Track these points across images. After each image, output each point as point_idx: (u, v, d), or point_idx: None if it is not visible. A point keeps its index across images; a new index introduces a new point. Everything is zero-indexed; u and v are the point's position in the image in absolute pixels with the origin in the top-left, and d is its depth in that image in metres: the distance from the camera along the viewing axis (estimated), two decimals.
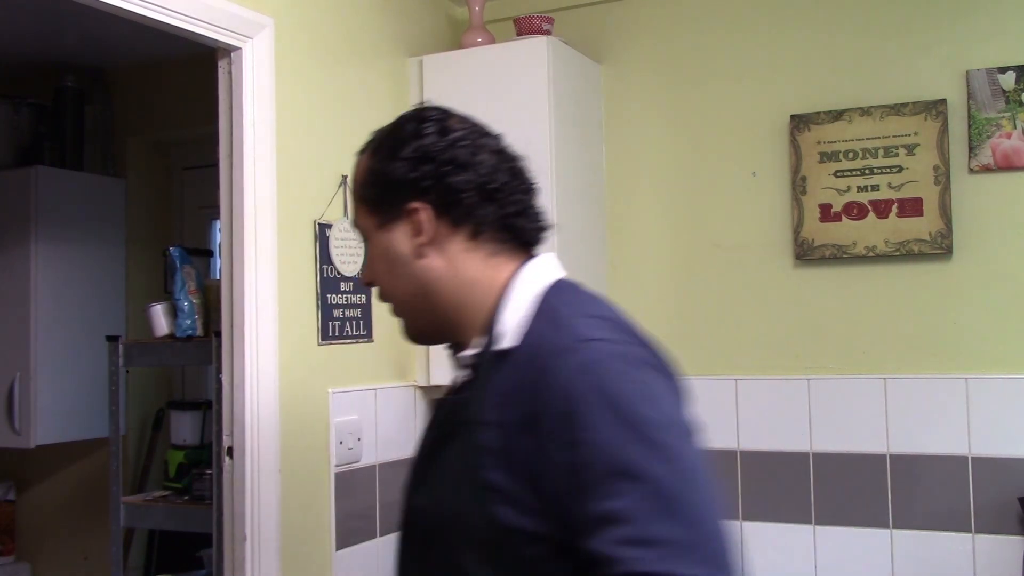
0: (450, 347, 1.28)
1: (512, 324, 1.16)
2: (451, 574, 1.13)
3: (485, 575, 1.09)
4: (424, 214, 1.20)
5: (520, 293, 1.19)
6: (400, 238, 1.22)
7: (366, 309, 2.60)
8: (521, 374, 1.10)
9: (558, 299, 1.18)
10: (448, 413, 1.22)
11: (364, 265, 1.32)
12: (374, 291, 1.30)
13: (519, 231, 1.25)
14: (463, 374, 1.22)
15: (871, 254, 2.67)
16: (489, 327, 1.18)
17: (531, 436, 1.06)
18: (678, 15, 2.95)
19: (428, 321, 1.25)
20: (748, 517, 2.78)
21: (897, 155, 2.65)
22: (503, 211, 1.23)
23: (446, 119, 1.24)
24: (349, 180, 1.32)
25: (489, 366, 1.14)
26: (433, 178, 1.20)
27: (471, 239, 1.22)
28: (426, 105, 1.28)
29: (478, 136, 1.24)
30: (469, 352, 1.20)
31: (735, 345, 2.84)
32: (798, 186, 2.76)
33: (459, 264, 1.21)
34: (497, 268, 1.22)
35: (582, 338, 1.09)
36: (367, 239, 1.27)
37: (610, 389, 1.04)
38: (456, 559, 1.11)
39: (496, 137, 1.27)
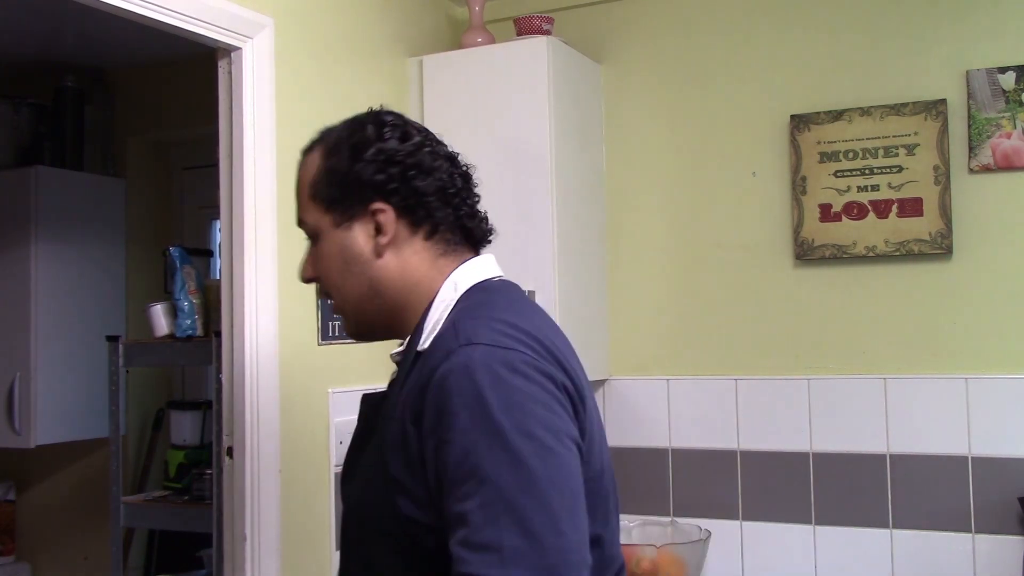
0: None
1: (432, 325, 1.22)
2: (370, 564, 1.18)
3: (395, 565, 1.14)
4: (387, 215, 1.25)
5: (445, 295, 1.25)
6: (359, 237, 1.26)
7: None
8: (419, 373, 1.15)
9: (469, 301, 1.23)
10: (372, 408, 1.27)
11: (305, 262, 1.34)
12: (315, 287, 1.35)
13: (470, 232, 1.30)
14: (394, 370, 1.28)
15: (871, 254, 2.67)
16: (417, 326, 1.24)
17: (418, 432, 1.11)
18: (678, 15, 2.95)
19: (372, 319, 1.30)
20: (748, 517, 2.78)
21: (897, 155, 2.65)
22: (458, 213, 1.29)
23: (405, 125, 1.30)
24: (306, 177, 1.33)
25: (410, 365, 1.20)
26: (400, 181, 1.25)
27: (424, 240, 1.27)
28: (380, 109, 1.33)
29: (434, 143, 1.30)
30: (396, 351, 1.27)
31: (735, 345, 2.84)
32: (798, 186, 2.76)
33: (409, 265, 1.27)
34: (440, 270, 1.27)
35: (466, 341, 1.12)
36: (316, 236, 1.29)
37: (479, 393, 1.07)
38: (372, 549, 1.17)
39: (446, 144, 1.33)
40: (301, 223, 1.32)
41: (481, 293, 1.25)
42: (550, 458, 1.06)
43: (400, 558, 1.14)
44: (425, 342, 1.20)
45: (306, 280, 1.33)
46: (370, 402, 1.29)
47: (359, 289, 1.27)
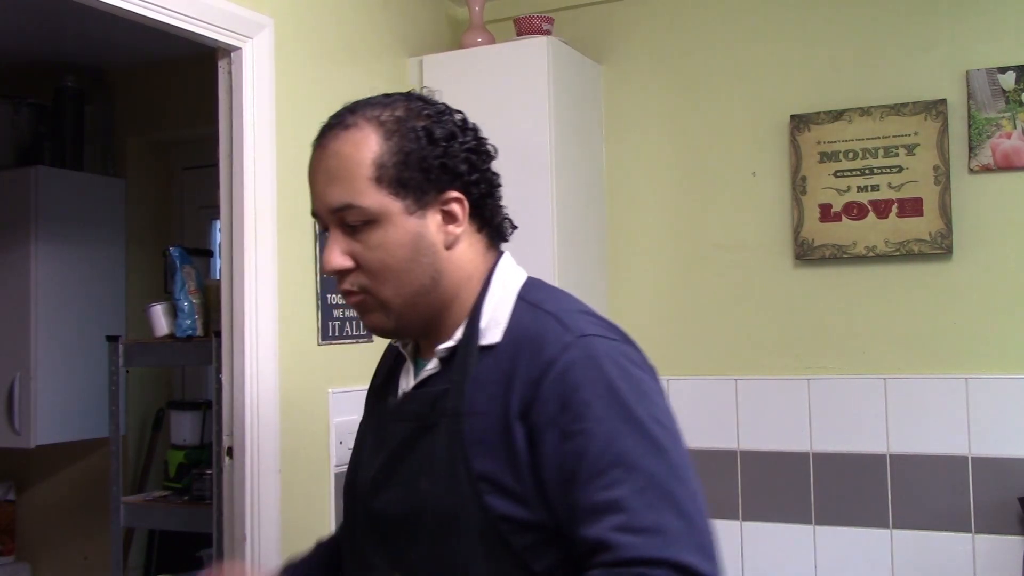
0: (404, 342, 1.28)
1: (498, 319, 1.18)
2: (439, 568, 1.13)
3: (476, 566, 1.10)
4: (463, 205, 1.19)
5: (500, 288, 1.21)
6: (431, 226, 1.17)
7: None
8: (514, 365, 1.12)
9: (539, 295, 1.21)
10: (426, 406, 1.19)
11: (335, 249, 1.17)
12: (351, 279, 1.18)
13: (503, 227, 1.27)
14: (431, 366, 1.20)
15: (871, 254, 2.67)
16: (471, 320, 1.19)
17: (526, 425, 1.08)
18: (678, 15, 2.95)
19: (421, 314, 1.20)
20: (748, 517, 2.78)
21: (897, 155, 2.65)
22: (501, 206, 1.26)
23: (456, 110, 1.24)
24: (357, 155, 1.15)
25: (470, 358, 1.16)
26: (480, 170, 1.21)
27: (477, 233, 1.23)
28: (420, 92, 1.25)
29: None
30: (447, 344, 1.19)
31: (735, 345, 2.84)
32: (798, 186, 2.76)
33: (465, 258, 1.21)
34: (487, 264, 1.24)
35: (581, 333, 1.12)
36: (373, 223, 1.15)
37: (610, 383, 1.08)
38: (444, 552, 1.12)
39: None
40: (347, 208, 1.15)
41: (541, 289, 1.23)
42: (678, 445, 1.10)
43: (482, 558, 1.10)
44: (486, 336, 1.16)
45: (339, 271, 1.17)
46: (422, 399, 1.20)
47: (420, 281, 1.17)
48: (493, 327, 1.17)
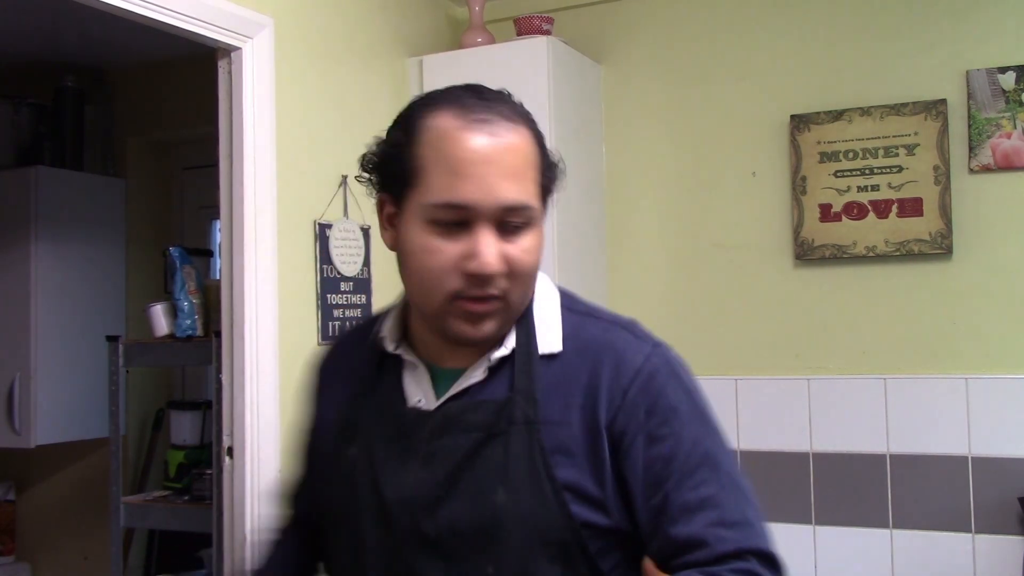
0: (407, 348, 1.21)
1: (550, 327, 1.17)
2: None
3: (555, 573, 1.10)
4: (544, 215, 1.18)
5: (543, 296, 1.19)
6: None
7: (366, 309, 2.60)
8: (594, 375, 1.12)
9: (583, 306, 1.21)
10: (487, 415, 1.12)
11: (499, 251, 1.08)
12: (501, 282, 1.09)
13: None
14: (478, 374, 1.14)
15: (871, 254, 2.67)
16: (525, 328, 1.16)
17: (612, 433, 1.10)
18: (679, 16, 2.95)
19: (515, 318, 1.16)
20: None
21: (897, 155, 2.65)
22: None
23: None
24: (529, 155, 1.11)
25: (533, 367, 1.13)
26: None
27: None
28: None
29: None
30: (500, 353, 1.14)
31: (735, 345, 2.84)
32: (798, 186, 2.76)
33: None
34: None
35: (654, 341, 1.16)
36: (527, 225, 1.10)
37: (688, 389, 1.13)
38: (523, 562, 1.09)
39: None
40: (523, 208, 1.09)
41: (576, 299, 1.22)
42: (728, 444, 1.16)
43: (559, 565, 1.09)
44: (543, 345, 1.14)
45: (498, 274, 1.09)
46: (486, 408, 1.12)
47: (533, 288, 1.16)
48: (548, 335, 1.16)
